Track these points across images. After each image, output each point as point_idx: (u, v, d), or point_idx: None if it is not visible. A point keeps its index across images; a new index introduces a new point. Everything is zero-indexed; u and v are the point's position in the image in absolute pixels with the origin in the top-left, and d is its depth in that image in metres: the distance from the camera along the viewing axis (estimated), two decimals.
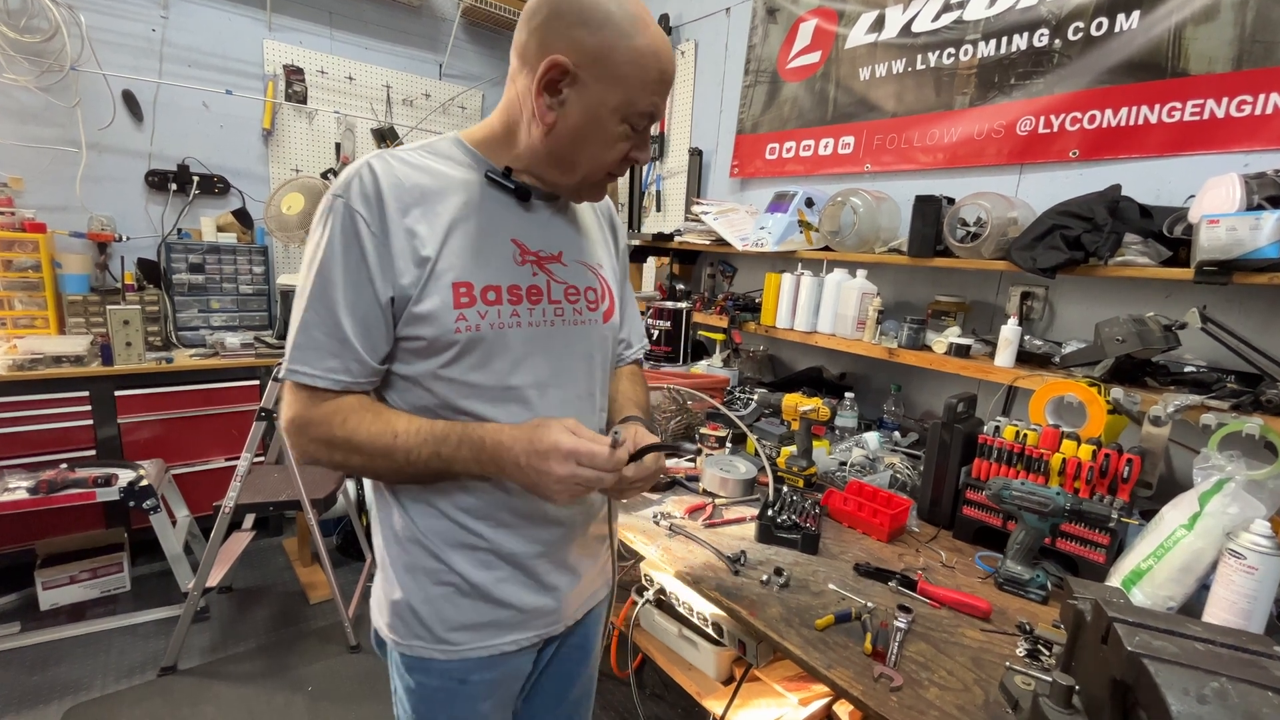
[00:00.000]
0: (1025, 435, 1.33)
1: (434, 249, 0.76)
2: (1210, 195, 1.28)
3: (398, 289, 0.75)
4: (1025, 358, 1.61)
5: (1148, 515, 1.21)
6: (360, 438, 0.76)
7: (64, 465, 2.24)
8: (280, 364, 0.78)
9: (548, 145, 0.79)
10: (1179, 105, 1.49)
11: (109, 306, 2.52)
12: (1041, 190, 1.73)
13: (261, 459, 2.60)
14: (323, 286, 0.75)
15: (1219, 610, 0.98)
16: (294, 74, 3.15)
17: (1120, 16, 1.56)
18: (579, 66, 0.73)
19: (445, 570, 0.84)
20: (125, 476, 2.25)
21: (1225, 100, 1.42)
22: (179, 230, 2.98)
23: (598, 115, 0.76)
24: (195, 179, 2.98)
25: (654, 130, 2.99)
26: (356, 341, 0.76)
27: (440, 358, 0.78)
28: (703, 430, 1.68)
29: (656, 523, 1.39)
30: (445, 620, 0.85)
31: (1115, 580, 1.13)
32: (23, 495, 2.07)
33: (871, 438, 1.75)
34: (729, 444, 1.69)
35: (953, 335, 1.70)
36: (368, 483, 0.91)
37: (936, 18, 1.93)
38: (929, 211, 1.71)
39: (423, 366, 0.79)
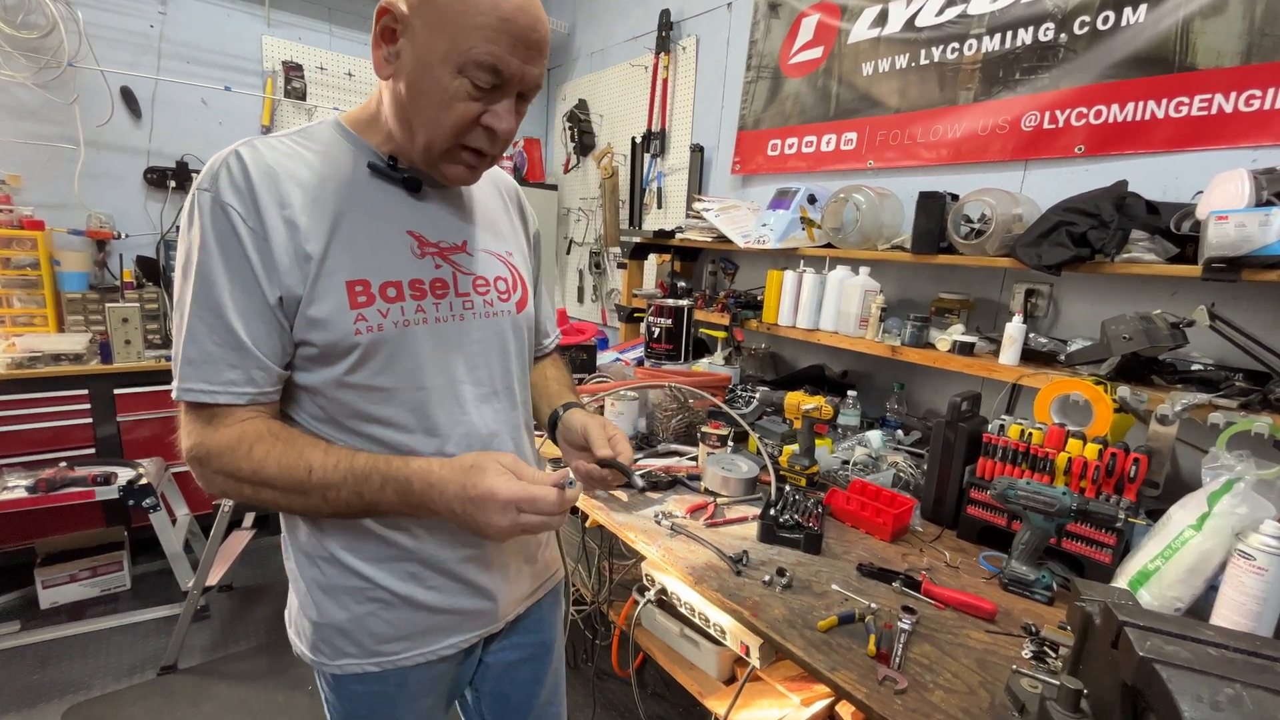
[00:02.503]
0: (1030, 434, 1.32)
1: (319, 245, 0.69)
2: (1218, 191, 1.27)
3: (284, 288, 0.68)
4: (1030, 356, 1.59)
5: (1154, 515, 1.19)
6: (270, 470, 0.68)
7: (63, 464, 2.24)
8: (172, 386, 0.71)
9: (393, 106, 0.72)
10: (1186, 100, 1.47)
11: (108, 304, 2.52)
12: (1046, 186, 1.71)
13: None
14: (206, 291, 0.67)
15: (1227, 612, 0.96)
16: (293, 70, 3.14)
17: (1127, 10, 1.54)
18: (411, 11, 0.67)
19: (368, 586, 0.79)
20: (125, 475, 2.24)
21: (1233, 95, 1.40)
22: (178, 227, 2.97)
23: (428, 65, 0.67)
24: (194, 176, 2.97)
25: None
26: (255, 347, 0.68)
27: (342, 364, 0.72)
28: (704, 428, 1.67)
29: (658, 522, 1.38)
30: (375, 635, 0.80)
31: (1122, 581, 1.11)
32: (22, 494, 2.07)
33: (874, 436, 1.74)
34: (731, 442, 1.68)
35: (956, 333, 1.69)
36: None
37: (940, 12, 1.91)
38: (932, 208, 1.69)
39: (323, 374, 0.73)
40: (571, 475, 0.73)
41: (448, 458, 0.73)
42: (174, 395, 0.69)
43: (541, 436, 1.06)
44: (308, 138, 0.75)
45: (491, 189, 0.93)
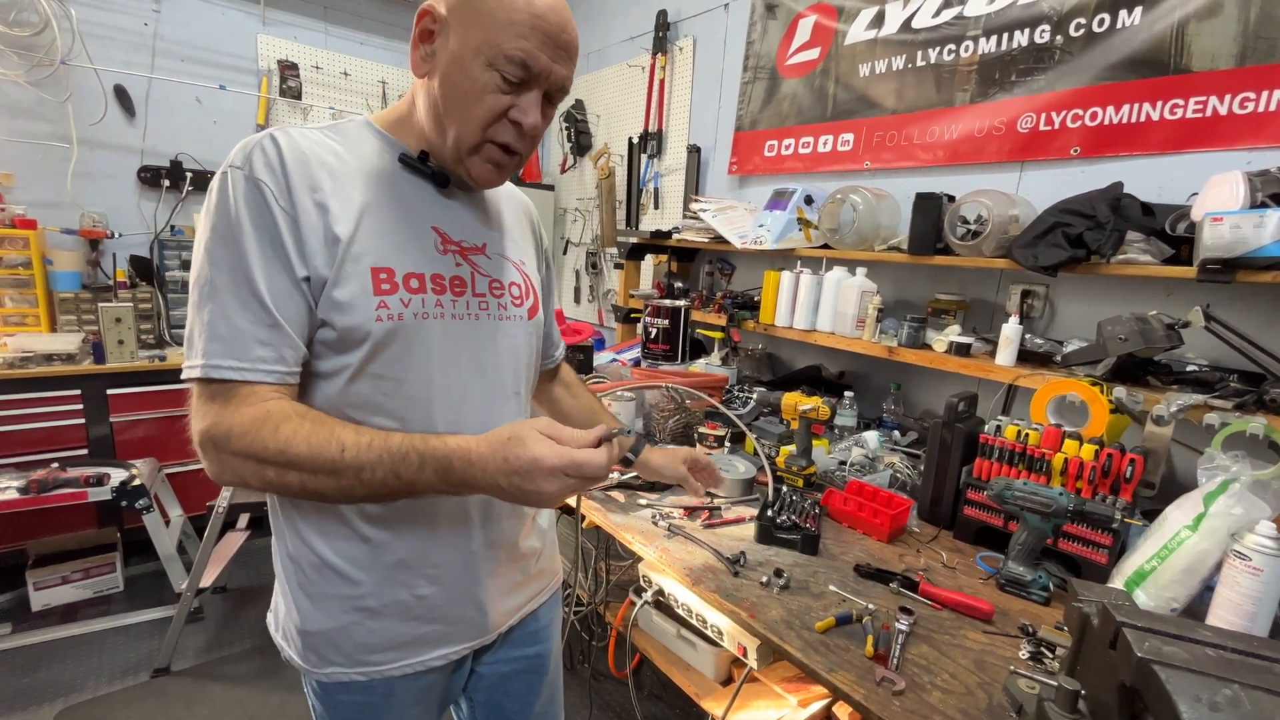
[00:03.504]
0: (1027, 435, 1.32)
1: (347, 229, 0.70)
2: (1213, 193, 1.27)
3: (312, 269, 0.69)
4: (1026, 356, 1.60)
5: (1150, 516, 1.20)
6: (298, 449, 0.65)
7: (55, 465, 2.22)
8: (186, 365, 0.68)
9: (427, 103, 0.75)
10: (1181, 102, 1.47)
11: (101, 304, 2.50)
12: (1043, 188, 1.72)
13: None
14: (239, 267, 0.66)
15: (1223, 612, 0.97)
16: (288, 69, 3.12)
17: (1122, 13, 1.54)
18: (450, 11, 0.71)
19: (357, 595, 0.78)
20: (117, 476, 2.22)
21: (1228, 97, 1.41)
22: (172, 227, 2.96)
23: (460, 58, 0.70)
24: (188, 175, 2.96)
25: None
26: (287, 323, 0.68)
27: (356, 352, 0.72)
28: (701, 429, 1.66)
29: (655, 523, 1.37)
30: (363, 645, 0.79)
31: (1118, 581, 1.12)
32: (13, 495, 2.05)
33: (871, 437, 1.74)
34: (728, 443, 1.67)
35: (953, 334, 1.69)
36: (270, 501, 0.81)
37: (937, 14, 1.91)
38: (929, 209, 1.69)
39: (337, 361, 0.72)
40: (623, 427, 0.73)
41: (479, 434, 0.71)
42: (197, 374, 0.67)
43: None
44: (338, 131, 0.77)
45: (510, 203, 0.95)
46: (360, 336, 0.71)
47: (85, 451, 2.47)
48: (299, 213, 0.68)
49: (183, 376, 0.68)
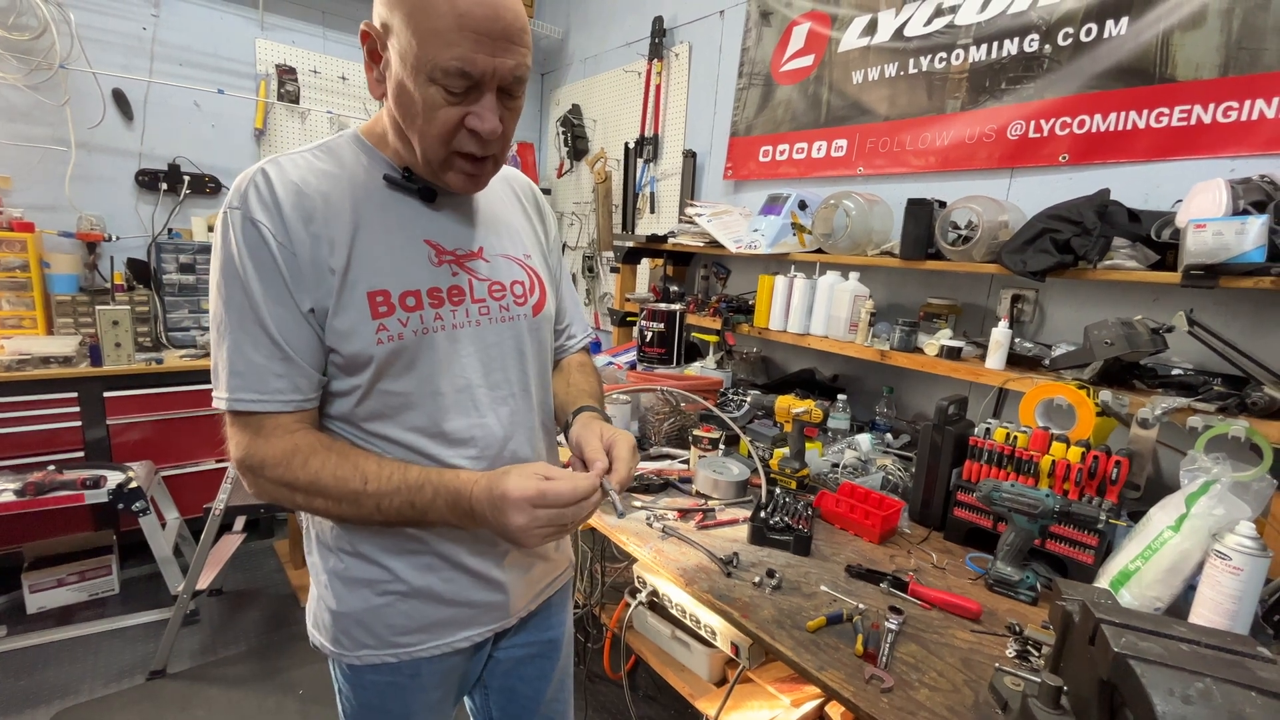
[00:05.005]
0: (1015, 437, 1.34)
1: (341, 259, 0.72)
2: (1197, 200, 1.30)
3: (314, 300, 0.71)
4: (1015, 360, 1.62)
5: (1135, 517, 1.22)
6: (325, 481, 0.71)
7: (52, 467, 2.22)
8: (215, 396, 0.73)
9: (390, 123, 0.75)
10: (1167, 111, 1.50)
11: (98, 307, 2.50)
12: (1032, 194, 1.74)
13: None
14: (247, 305, 0.70)
15: (1205, 610, 0.99)
16: (286, 73, 3.14)
17: (1109, 23, 1.57)
18: (383, 28, 0.69)
19: (387, 579, 0.81)
20: (114, 478, 2.23)
21: (1212, 106, 1.43)
22: (169, 230, 2.96)
23: (402, 78, 0.68)
24: (186, 179, 2.96)
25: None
26: (298, 355, 0.71)
27: (364, 373, 0.74)
28: (696, 432, 1.68)
29: (649, 525, 1.39)
30: (392, 626, 0.83)
31: (1103, 581, 1.14)
32: (10, 497, 2.05)
33: (864, 439, 1.76)
34: (722, 446, 1.69)
35: (944, 338, 1.71)
36: None
37: (928, 22, 1.94)
38: (921, 214, 1.72)
39: (347, 382, 0.76)
40: (608, 484, 0.75)
41: (486, 469, 0.75)
42: (223, 405, 0.72)
43: (564, 444, 1.06)
44: (327, 152, 0.77)
45: (506, 191, 0.94)
46: (364, 360, 0.74)
47: (82, 454, 2.47)
48: (296, 247, 0.70)
49: (213, 404, 0.73)
